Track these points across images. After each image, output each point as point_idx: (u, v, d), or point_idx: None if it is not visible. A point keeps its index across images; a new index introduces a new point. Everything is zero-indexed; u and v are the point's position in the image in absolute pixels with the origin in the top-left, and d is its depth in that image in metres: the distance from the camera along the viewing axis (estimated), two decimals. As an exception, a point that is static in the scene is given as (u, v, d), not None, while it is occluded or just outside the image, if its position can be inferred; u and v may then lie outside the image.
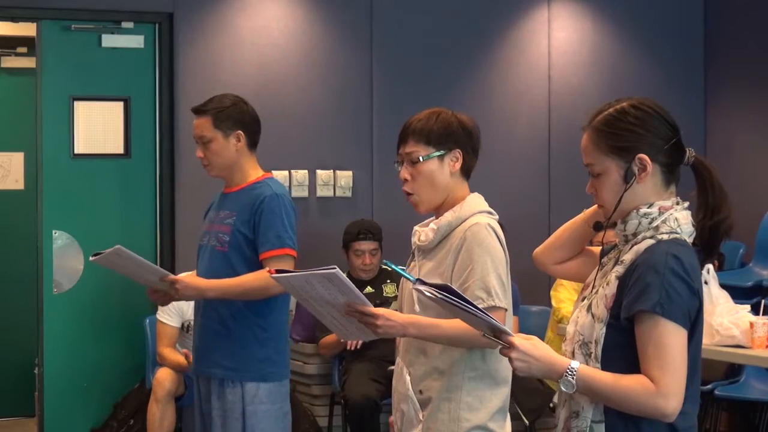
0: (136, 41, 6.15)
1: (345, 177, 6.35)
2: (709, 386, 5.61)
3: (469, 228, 3.02)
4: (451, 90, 6.55)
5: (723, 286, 4.75)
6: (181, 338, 5.73)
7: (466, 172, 3.15)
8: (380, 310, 2.92)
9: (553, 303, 5.85)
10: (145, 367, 5.94)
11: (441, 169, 3.11)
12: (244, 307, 3.99)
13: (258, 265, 3.94)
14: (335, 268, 2.83)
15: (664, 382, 2.28)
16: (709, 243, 2.41)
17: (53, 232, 6.05)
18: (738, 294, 5.34)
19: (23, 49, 7.40)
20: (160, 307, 5.66)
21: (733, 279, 5.98)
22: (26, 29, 6.53)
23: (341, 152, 6.44)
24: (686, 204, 2.44)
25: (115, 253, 3.84)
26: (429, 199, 3.13)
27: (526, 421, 5.56)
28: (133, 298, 6.11)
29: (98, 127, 6.14)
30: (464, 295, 2.45)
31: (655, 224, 2.39)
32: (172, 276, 3.94)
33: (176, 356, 5.62)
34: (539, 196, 6.77)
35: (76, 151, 6.10)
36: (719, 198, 2.40)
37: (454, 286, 2.92)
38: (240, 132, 4.05)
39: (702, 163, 2.43)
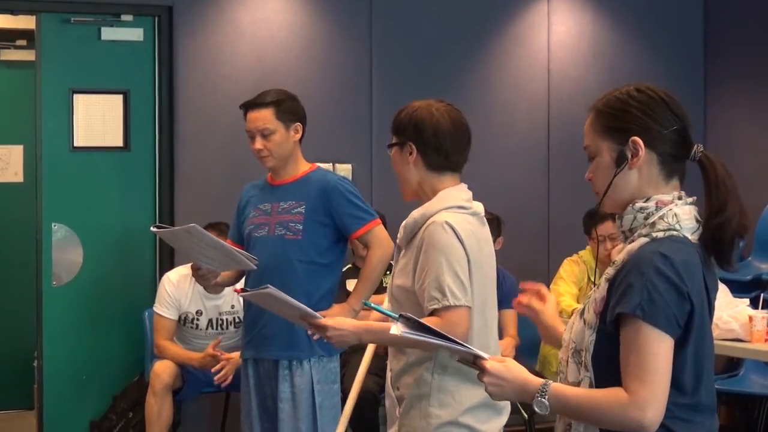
0: (135, 34, 6.15)
1: (344, 170, 6.36)
2: (708, 380, 5.65)
3: (427, 227, 3.02)
4: (451, 83, 6.55)
5: (722, 280, 4.63)
6: (178, 331, 5.73)
7: (433, 167, 3.11)
8: (329, 321, 2.96)
9: (552, 296, 5.85)
10: (144, 359, 5.95)
11: (402, 160, 3.15)
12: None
13: (329, 250, 4.23)
14: (269, 287, 3.05)
15: (641, 393, 2.12)
16: (714, 244, 2.23)
17: (53, 224, 6.06)
18: (737, 288, 5.33)
19: (23, 42, 7.43)
20: (157, 300, 5.68)
21: (732, 273, 5.97)
22: (26, 22, 6.53)
23: (340, 145, 6.45)
24: (691, 199, 2.29)
25: (186, 231, 3.90)
26: (403, 186, 3.20)
27: (525, 415, 5.56)
28: (133, 291, 6.16)
29: (98, 119, 6.14)
30: (434, 328, 2.36)
31: (651, 220, 2.24)
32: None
33: (175, 347, 5.64)
34: (538, 188, 6.78)
35: (75, 144, 6.10)
36: (724, 196, 2.23)
37: (416, 287, 2.98)
38: (299, 124, 4.27)
39: (709, 159, 2.27)
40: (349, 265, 5.90)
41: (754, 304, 4.89)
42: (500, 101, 6.71)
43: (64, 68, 6.07)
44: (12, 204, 7.52)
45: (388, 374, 3.12)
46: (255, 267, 4.10)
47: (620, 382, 2.17)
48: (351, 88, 6.49)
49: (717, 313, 4.66)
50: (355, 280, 5.87)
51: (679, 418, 2.19)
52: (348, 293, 5.81)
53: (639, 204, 2.26)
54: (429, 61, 6.61)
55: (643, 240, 2.22)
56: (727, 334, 4.64)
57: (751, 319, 4.61)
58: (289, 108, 4.26)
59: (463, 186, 3.15)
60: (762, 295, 4.95)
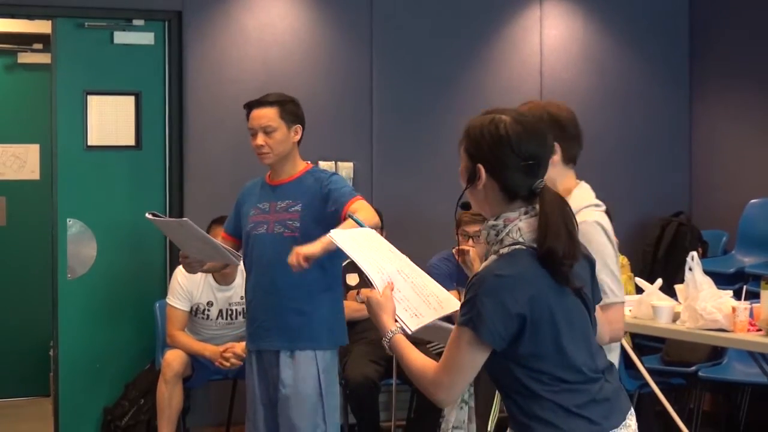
0: (146, 38, 6.20)
1: (346, 168, 6.41)
2: (693, 368, 5.67)
3: (578, 226, 3.09)
4: (447, 84, 6.60)
5: (707, 272, 4.69)
6: (189, 322, 5.80)
7: (566, 159, 3.15)
8: None
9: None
10: (155, 349, 5.99)
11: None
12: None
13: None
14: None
15: (442, 379, 2.41)
16: (545, 264, 2.39)
17: (67, 220, 6.12)
18: (721, 280, 5.22)
19: (39, 46, 7.44)
20: (170, 292, 5.75)
21: (717, 266, 6.02)
22: (42, 26, 6.56)
23: (342, 144, 6.47)
24: (534, 212, 2.43)
25: (179, 224, 4.10)
26: None
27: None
28: (144, 284, 6.20)
29: (110, 120, 6.19)
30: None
31: (500, 236, 2.42)
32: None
33: (187, 338, 5.73)
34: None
35: (89, 143, 6.16)
36: (544, 228, 2.38)
37: None
38: (299, 126, 4.35)
39: (543, 195, 2.42)
40: (348, 260, 5.97)
41: (737, 295, 4.79)
42: (494, 102, 6.20)
43: (78, 71, 6.12)
44: (29, 200, 7.53)
45: None
46: (238, 262, 4.26)
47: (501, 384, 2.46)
48: (352, 89, 6.52)
49: (702, 304, 4.67)
50: (355, 275, 6.04)
51: (563, 390, 2.42)
52: (348, 287, 5.97)
53: (491, 222, 2.45)
54: (427, 63, 6.64)
55: (492, 258, 2.42)
56: (711, 324, 4.54)
57: (734, 310, 4.53)
58: (291, 110, 4.34)
59: (585, 183, 3.20)
60: (744, 287, 4.84)
